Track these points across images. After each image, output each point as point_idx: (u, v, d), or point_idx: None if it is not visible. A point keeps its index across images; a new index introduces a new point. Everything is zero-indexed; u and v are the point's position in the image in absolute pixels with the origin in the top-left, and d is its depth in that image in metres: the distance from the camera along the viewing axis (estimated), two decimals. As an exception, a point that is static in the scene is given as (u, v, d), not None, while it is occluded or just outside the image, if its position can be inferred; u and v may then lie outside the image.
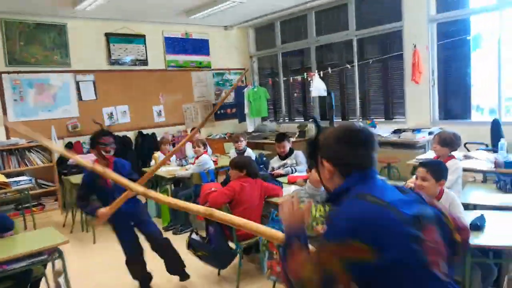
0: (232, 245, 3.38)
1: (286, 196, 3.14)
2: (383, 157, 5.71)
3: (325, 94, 6.29)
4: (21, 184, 5.07)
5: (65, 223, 5.39)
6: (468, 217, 2.44)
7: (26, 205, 5.32)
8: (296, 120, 7.80)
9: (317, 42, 7.07)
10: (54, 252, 2.88)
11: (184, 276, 3.40)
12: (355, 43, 6.46)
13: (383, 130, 5.80)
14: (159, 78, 7.24)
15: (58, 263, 2.99)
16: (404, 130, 5.46)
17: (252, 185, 3.44)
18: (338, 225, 1.16)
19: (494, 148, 4.18)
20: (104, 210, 2.90)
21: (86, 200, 3.18)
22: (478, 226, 2.36)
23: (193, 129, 6.19)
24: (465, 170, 3.55)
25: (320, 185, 2.87)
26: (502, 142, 3.96)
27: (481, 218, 2.45)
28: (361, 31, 6.37)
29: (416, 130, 5.31)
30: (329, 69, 6.62)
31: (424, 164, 2.57)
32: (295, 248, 1.20)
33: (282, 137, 4.66)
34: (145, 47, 7.10)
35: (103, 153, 3.10)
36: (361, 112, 6.66)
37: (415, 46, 5.51)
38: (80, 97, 6.47)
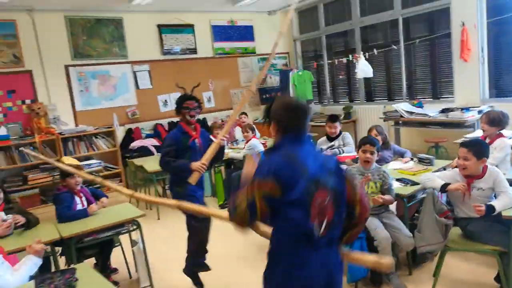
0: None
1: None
2: (430, 136, 5.76)
3: (371, 75, 6.35)
4: (92, 167, 5.65)
5: (130, 201, 5.92)
6: None
7: (96, 185, 5.89)
8: (341, 102, 7.91)
9: (362, 23, 7.09)
10: (133, 224, 3.32)
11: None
12: (400, 23, 6.43)
13: (430, 110, 5.82)
14: (207, 65, 7.60)
15: (134, 234, 3.44)
16: (452, 110, 5.46)
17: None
18: (263, 167, 1.60)
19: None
20: (197, 163, 2.95)
21: (171, 157, 3.13)
22: (524, 200, 2.49)
23: (241, 113, 6.51)
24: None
25: (369, 165, 3.09)
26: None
27: (528, 193, 2.57)
28: (407, 9, 6.33)
29: (465, 109, 5.29)
30: (375, 50, 6.65)
31: (465, 144, 2.69)
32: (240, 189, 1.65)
33: (335, 118, 4.81)
34: (194, 36, 7.45)
35: (188, 117, 3.14)
36: (408, 92, 6.67)
37: (463, 23, 5.44)
38: (137, 86, 6.96)
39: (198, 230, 3.31)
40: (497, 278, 2.73)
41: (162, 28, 7.12)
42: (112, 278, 3.60)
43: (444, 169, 3.37)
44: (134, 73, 6.95)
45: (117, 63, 6.77)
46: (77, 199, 3.37)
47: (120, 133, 6.72)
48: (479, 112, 5.22)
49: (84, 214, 3.28)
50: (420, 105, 6.07)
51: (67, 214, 3.22)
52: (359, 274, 2.91)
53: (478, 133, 4.31)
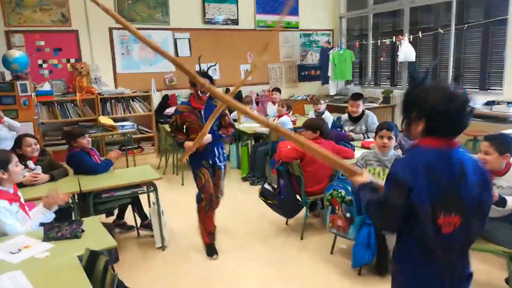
0: (299, 198, 3.67)
1: (357, 160, 3.29)
2: (470, 130, 5.42)
3: (413, 59, 6.04)
4: (126, 129, 5.87)
5: (159, 165, 6.14)
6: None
7: (129, 147, 6.15)
8: (382, 85, 7.61)
9: (412, 3, 6.69)
10: (150, 186, 3.44)
11: None
12: (454, 5, 6.00)
13: (475, 101, 5.49)
14: (248, 38, 7.53)
15: (152, 196, 3.58)
16: (498, 102, 5.11)
17: (324, 146, 3.61)
18: None
19: None
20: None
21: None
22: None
23: (274, 89, 6.43)
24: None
25: (386, 150, 2.98)
26: None
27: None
28: (462, -9, 5.90)
29: (511, 103, 4.94)
30: (420, 33, 6.28)
31: (488, 137, 2.52)
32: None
33: (358, 95, 4.66)
34: (237, 7, 7.38)
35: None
36: (454, 80, 6.29)
37: (523, 10, 4.99)
38: (176, 53, 7.06)
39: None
40: (507, 280, 2.60)
41: (206, -3, 7.11)
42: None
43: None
44: (175, 40, 7.03)
45: (159, 29, 6.88)
46: (91, 156, 3.55)
47: (156, 98, 6.90)
48: (527, 107, 4.86)
49: (110, 163, 3.48)
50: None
51: (99, 166, 3.42)
52: (363, 260, 2.87)
53: (518, 130, 4.01)
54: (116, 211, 3.87)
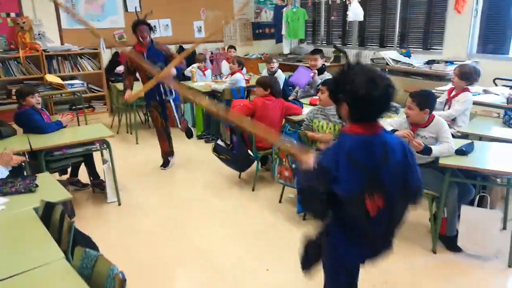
0: (251, 153, 3.86)
1: (305, 115, 3.47)
2: (412, 87, 5.78)
3: (361, 19, 6.22)
4: (75, 87, 5.70)
5: (112, 124, 6.08)
6: (457, 144, 2.71)
7: (79, 106, 6.00)
8: (334, 44, 7.78)
9: (363, -38, 6.78)
10: (103, 144, 3.48)
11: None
12: (402, -35, 6.17)
13: (417, 60, 5.81)
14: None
15: (105, 153, 3.63)
16: (438, 62, 5.45)
17: (274, 104, 3.79)
18: None
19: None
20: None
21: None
22: (463, 151, 2.64)
23: (230, 47, 6.43)
24: (475, 103, 3.69)
25: (324, 104, 3.19)
26: (528, 79, 3.98)
27: (470, 145, 2.72)
28: (410, -48, 6.05)
29: (449, 62, 5.29)
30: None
31: (412, 94, 2.79)
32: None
33: (316, 50, 4.89)
34: (188, -40, 7.13)
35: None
36: (400, 40, 6.58)
37: (463, -28, 5.25)
38: (126, 9, 6.80)
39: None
40: (430, 219, 2.97)
41: None
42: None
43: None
44: (123, -6, 6.74)
45: (106, -18, 6.56)
46: (43, 116, 3.50)
47: (106, 56, 6.69)
48: (462, 66, 5.24)
49: (61, 124, 3.46)
50: (408, 54, 6.04)
51: (51, 125, 3.39)
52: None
53: (448, 87, 4.36)
54: (69, 170, 3.89)
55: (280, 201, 3.59)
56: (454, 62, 5.29)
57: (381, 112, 1.46)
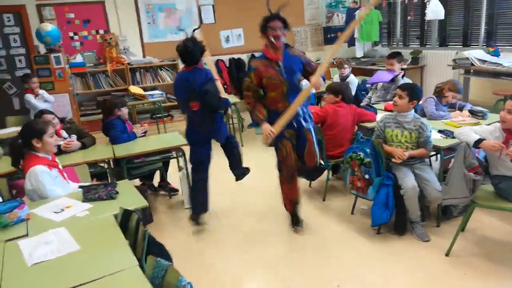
0: (321, 162, 3.77)
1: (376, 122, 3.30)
2: (500, 89, 5.27)
3: (441, 17, 5.80)
4: (155, 97, 6.07)
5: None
6: None
7: (159, 115, 6.38)
8: (411, 46, 7.38)
9: (444, -43, 6.34)
10: (179, 151, 3.64)
11: (242, 173, 3.51)
12: (489, -43, 5.66)
13: (507, 59, 5.27)
14: (272, 2, 7.40)
15: (181, 161, 3.79)
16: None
17: (346, 110, 3.67)
18: None
19: None
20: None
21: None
22: None
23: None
24: None
25: (398, 109, 3.01)
26: None
27: None
28: None
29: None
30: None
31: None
32: None
33: (393, 54, 4.63)
34: (260, -31, 7.24)
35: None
36: (486, 38, 6.02)
37: None
38: (201, 20, 7.10)
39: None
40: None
41: (228, -40, 7.02)
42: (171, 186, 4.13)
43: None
44: (199, 7, 7.05)
45: (183, -3, 6.91)
46: (126, 126, 3.76)
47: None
48: None
49: (134, 136, 3.70)
50: (496, 53, 5.50)
51: (123, 136, 3.64)
52: (381, 219, 2.97)
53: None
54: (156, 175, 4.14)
55: (352, 213, 3.45)
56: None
57: None
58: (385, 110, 4.09)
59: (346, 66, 5.26)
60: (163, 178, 4.11)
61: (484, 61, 5.40)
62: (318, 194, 3.89)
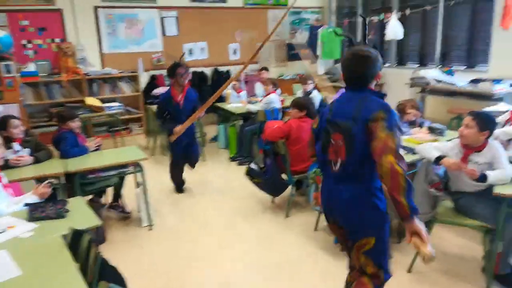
0: (285, 177, 3.72)
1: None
2: (454, 107, 5.49)
3: (400, 37, 6.02)
4: (113, 109, 5.83)
5: (148, 146, 6.15)
6: (512, 170, 2.46)
7: (116, 128, 6.12)
8: (371, 64, 7.59)
9: (401, -20, 6.63)
10: (137, 166, 3.47)
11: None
12: (443, -18, 5.97)
13: (460, 79, 5.52)
14: (236, 16, 7.44)
15: (138, 176, 3.61)
16: (483, 80, 5.14)
17: (309, 125, 3.65)
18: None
19: None
20: (179, 127, 3.88)
21: (162, 115, 4.10)
22: (519, 178, 2.39)
23: (262, 69, 6.41)
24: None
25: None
26: None
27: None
28: (451, -32, 5.84)
29: (496, 81, 4.98)
30: (407, 11, 6.24)
31: (472, 113, 2.56)
32: None
33: None
34: (224, -16, 7.26)
35: (180, 82, 3.96)
36: (441, 58, 6.31)
37: (510, -13, 4.98)
38: (164, 33, 6.96)
39: (172, 168, 4.35)
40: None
41: (192, -26, 6.98)
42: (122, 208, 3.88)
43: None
44: (162, 19, 6.92)
45: (146, 8, 6.76)
46: (78, 139, 3.54)
47: (144, 79, 6.85)
48: (511, 85, 4.92)
49: (86, 150, 3.48)
50: (450, 73, 5.75)
51: (73, 150, 3.41)
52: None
53: (501, 107, 4.07)
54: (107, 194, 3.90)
55: (315, 229, 3.41)
56: (502, 81, 4.98)
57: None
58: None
59: (309, 81, 5.31)
60: (117, 197, 3.89)
61: (439, 81, 5.62)
62: (281, 210, 3.83)
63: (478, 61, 5.81)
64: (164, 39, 7.00)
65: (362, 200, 1.85)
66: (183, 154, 4.24)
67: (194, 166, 4.47)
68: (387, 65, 7.21)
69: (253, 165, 3.81)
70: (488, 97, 4.92)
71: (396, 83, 6.77)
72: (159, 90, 6.72)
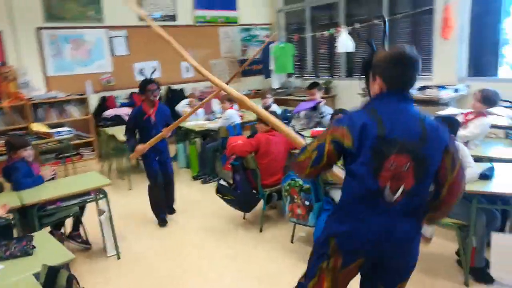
0: (256, 191, 3.67)
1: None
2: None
3: (352, 50, 6.28)
4: (62, 135, 5.47)
5: (102, 171, 5.83)
6: (478, 168, 2.60)
7: (67, 154, 5.75)
8: (322, 77, 7.83)
9: (346, -4, 6.96)
10: (99, 193, 3.25)
11: (172, 210, 4.18)
12: (385, -3, 6.34)
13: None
14: (187, 34, 7.36)
15: (101, 203, 3.38)
16: (429, 87, 5.47)
17: (278, 138, 3.65)
18: (344, 117, 1.59)
19: (519, 105, 4.20)
20: (141, 146, 3.64)
21: (132, 132, 3.87)
22: (486, 175, 2.52)
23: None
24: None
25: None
26: (526, 99, 3.98)
27: (491, 169, 2.61)
28: (391, -16, 6.22)
29: (441, 87, 5.31)
30: (357, 25, 6.54)
31: (438, 118, 2.69)
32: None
33: (313, 84, 4.84)
34: (174, 3, 7.19)
35: (151, 98, 3.79)
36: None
37: (446, 0, 5.38)
38: (113, 53, 6.73)
39: (151, 189, 3.95)
40: (458, 252, 2.81)
41: (140, -7, 6.84)
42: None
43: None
44: (110, 38, 6.69)
45: (92, 27, 6.50)
46: (32, 169, 3.27)
47: (93, 101, 6.54)
48: (455, 90, 5.26)
49: (41, 180, 3.22)
50: (398, 82, 6.06)
51: (26, 181, 3.13)
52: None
53: (450, 111, 4.34)
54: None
55: (292, 241, 3.38)
56: (446, 87, 5.33)
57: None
58: (311, 136, 4.18)
59: (268, 96, 5.34)
60: (77, 226, 3.61)
61: (389, 89, 5.90)
62: (254, 225, 3.76)
63: (423, 69, 6.17)
64: (113, 59, 6.75)
65: (419, 237, 1.62)
66: (160, 171, 3.94)
67: (172, 209, 4.17)
68: (337, 77, 7.48)
69: (222, 182, 3.73)
70: (436, 103, 5.22)
71: (347, 94, 7.03)
72: (111, 112, 6.46)
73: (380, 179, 1.48)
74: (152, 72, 4.38)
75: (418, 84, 5.72)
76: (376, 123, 1.49)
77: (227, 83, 3.45)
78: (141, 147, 3.64)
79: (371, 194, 1.51)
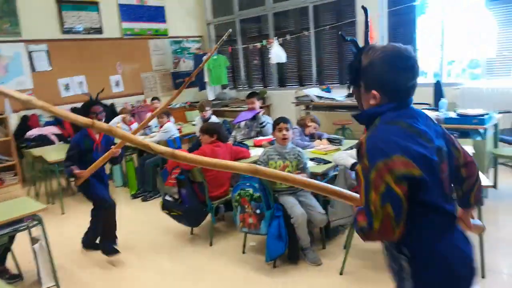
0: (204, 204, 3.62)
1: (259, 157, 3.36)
2: (338, 119, 6.10)
3: (284, 60, 6.50)
4: (-20, 159, 4.96)
5: (29, 196, 5.34)
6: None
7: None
8: (255, 87, 7.99)
9: (274, 9, 7.21)
10: (33, 219, 2.97)
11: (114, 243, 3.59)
12: (311, 10, 6.66)
13: (337, 94, 6.18)
14: (115, 47, 7.10)
15: (34, 231, 3.09)
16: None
17: (223, 149, 3.64)
18: (383, 147, 1.18)
19: (436, 108, 4.63)
20: (83, 172, 3.23)
21: (75, 160, 3.34)
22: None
23: (154, 98, 6.24)
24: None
25: (287, 142, 3.13)
26: (443, 101, 4.41)
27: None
28: (316, -3, 6.58)
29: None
30: (288, 36, 6.81)
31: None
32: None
33: (252, 94, 4.87)
34: (99, 15, 6.89)
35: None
36: (317, 78, 6.97)
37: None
38: (33, 68, 6.25)
39: (100, 216, 3.46)
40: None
41: (62, 4, 6.46)
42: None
43: (352, 148, 3.58)
44: (30, 53, 6.21)
45: (9, 42, 5.99)
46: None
47: (14, 121, 6.00)
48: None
49: None
50: (328, 90, 6.40)
51: None
52: (277, 252, 2.97)
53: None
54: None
55: (243, 252, 3.36)
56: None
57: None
58: (255, 146, 4.24)
59: (207, 108, 5.31)
60: (3, 260, 3.26)
61: (320, 97, 6.20)
62: (203, 239, 3.69)
63: (348, 78, 6.59)
64: (34, 75, 6.27)
65: None
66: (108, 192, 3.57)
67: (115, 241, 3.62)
68: (270, 87, 7.68)
69: (168, 198, 3.62)
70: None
71: (281, 102, 7.24)
72: (34, 132, 5.98)
73: (448, 195, 1.31)
74: (99, 93, 3.82)
75: (345, 91, 6.09)
76: (417, 136, 1.23)
77: (170, 101, 3.35)
78: (87, 171, 3.20)
79: (446, 216, 1.29)
